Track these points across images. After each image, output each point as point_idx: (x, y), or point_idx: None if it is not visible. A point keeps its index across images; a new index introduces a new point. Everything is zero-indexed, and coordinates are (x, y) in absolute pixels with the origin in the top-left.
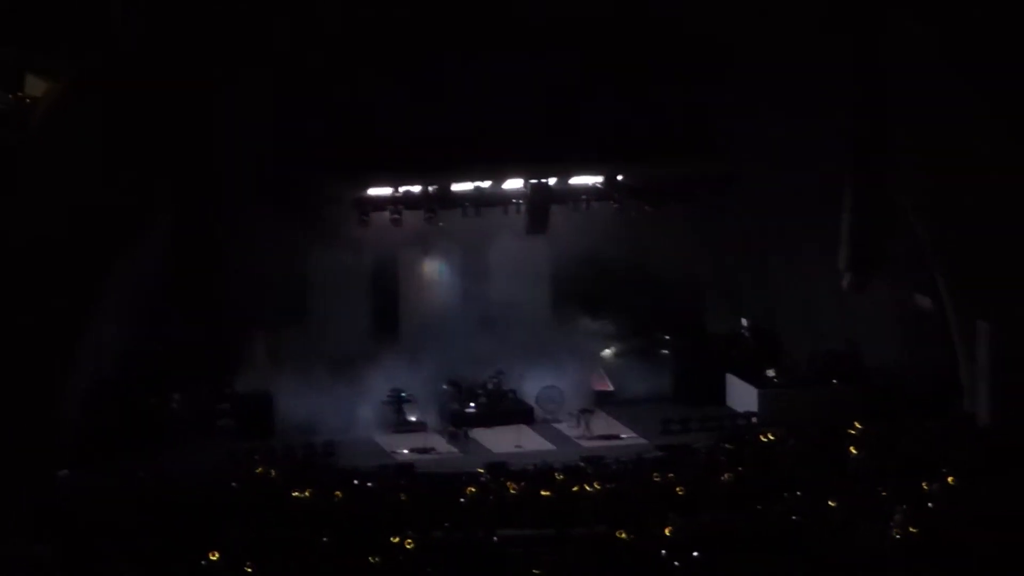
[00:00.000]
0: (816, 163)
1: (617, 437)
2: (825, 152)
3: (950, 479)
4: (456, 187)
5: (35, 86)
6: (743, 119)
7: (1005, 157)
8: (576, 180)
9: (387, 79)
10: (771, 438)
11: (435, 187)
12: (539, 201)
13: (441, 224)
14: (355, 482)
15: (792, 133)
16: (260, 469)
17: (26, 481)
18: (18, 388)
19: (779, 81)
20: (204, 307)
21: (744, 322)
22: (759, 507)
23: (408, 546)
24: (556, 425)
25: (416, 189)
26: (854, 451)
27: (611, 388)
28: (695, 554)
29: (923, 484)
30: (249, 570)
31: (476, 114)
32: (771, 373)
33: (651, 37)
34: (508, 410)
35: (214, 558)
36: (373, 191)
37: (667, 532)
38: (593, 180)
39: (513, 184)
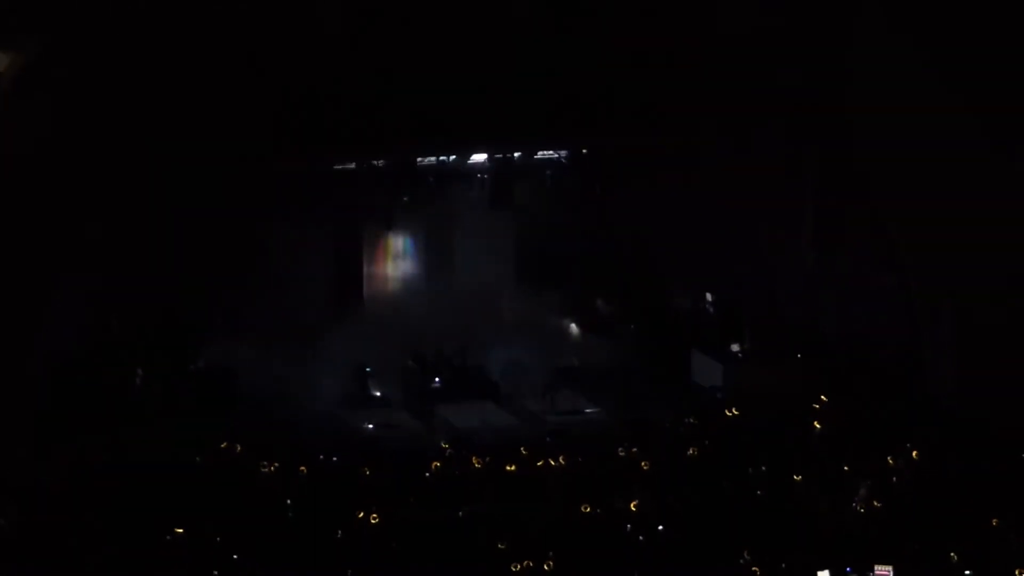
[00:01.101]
0: (780, 138)
1: (582, 412)
2: (789, 127)
3: (914, 454)
4: (420, 161)
5: None
6: (707, 93)
7: (970, 136)
8: (540, 154)
9: (352, 55)
10: (736, 413)
11: (399, 161)
12: (503, 175)
13: (405, 198)
14: (319, 457)
15: (757, 108)
16: (224, 444)
17: None
18: None
19: (743, 56)
20: (164, 281)
21: (709, 297)
22: (724, 482)
23: (373, 521)
24: (521, 400)
25: (380, 163)
26: (818, 426)
27: (576, 363)
28: (660, 529)
29: (888, 459)
30: (214, 546)
31: (441, 88)
32: (736, 348)
33: (616, 11)
34: (473, 385)
35: (179, 533)
36: (337, 164)
37: (632, 507)
38: (558, 154)
39: (477, 158)
